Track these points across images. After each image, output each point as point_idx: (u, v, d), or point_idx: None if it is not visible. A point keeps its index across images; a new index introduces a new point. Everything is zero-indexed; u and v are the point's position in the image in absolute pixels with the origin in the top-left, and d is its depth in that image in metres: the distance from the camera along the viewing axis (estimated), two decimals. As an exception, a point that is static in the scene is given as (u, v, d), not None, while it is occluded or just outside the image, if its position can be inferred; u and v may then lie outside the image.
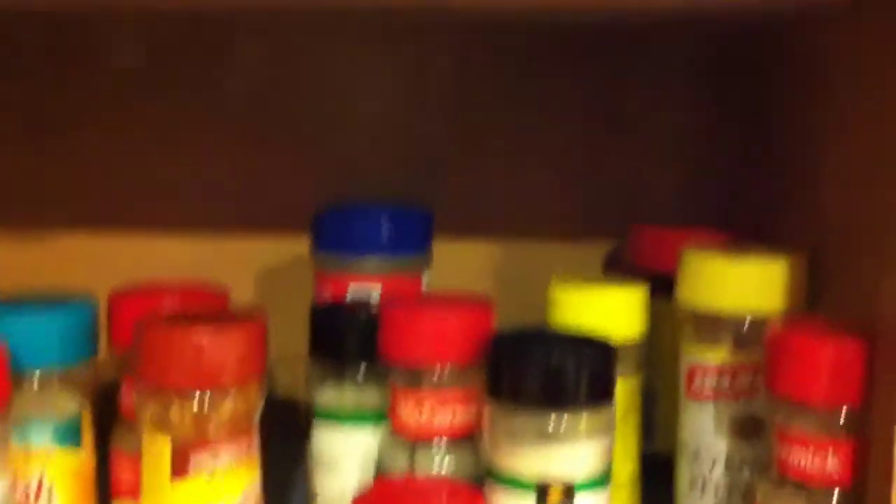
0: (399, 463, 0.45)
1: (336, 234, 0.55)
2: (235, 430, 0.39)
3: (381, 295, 0.53)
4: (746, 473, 0.47)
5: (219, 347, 0.38)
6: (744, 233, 0.56)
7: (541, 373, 0.40)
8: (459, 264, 0.63)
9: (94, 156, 0.64)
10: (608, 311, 0.47)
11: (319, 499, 0.49)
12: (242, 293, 0.64)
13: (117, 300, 0.46)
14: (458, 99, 0.65)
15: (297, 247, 0.58)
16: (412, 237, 0.55)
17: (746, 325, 0.46)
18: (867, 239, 0.43)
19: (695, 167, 0.65)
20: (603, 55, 0.64)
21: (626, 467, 0.49)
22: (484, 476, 0.42)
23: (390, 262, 0.54)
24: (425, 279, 0.56)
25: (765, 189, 0.58)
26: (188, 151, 0.65)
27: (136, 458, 0.39)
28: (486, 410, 0.41)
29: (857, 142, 0.45)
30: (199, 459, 0.38)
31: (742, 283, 0.46)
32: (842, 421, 0.39)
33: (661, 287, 0.50)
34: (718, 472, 0.47)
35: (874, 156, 0.42)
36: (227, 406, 0.38)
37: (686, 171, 0.65)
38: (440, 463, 0.44)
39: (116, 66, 0.63)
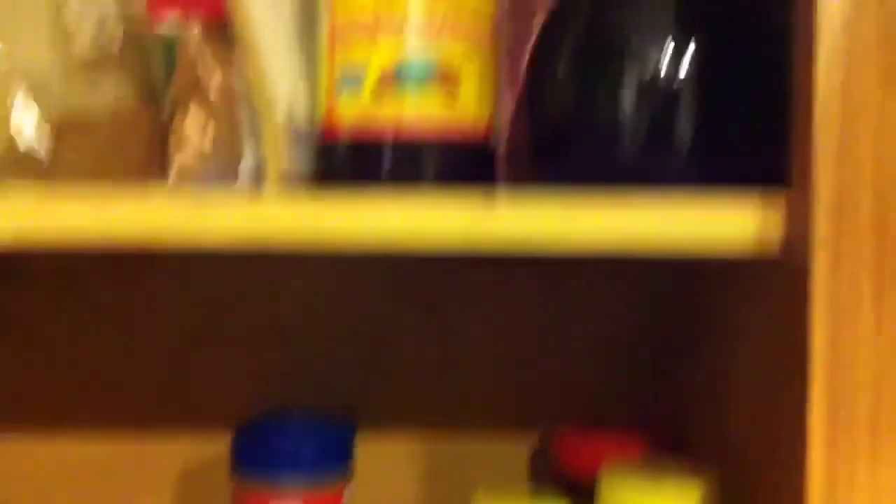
0: None
1: (255, 452, 0.54)
2: None
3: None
4: None
5: None
6: (664, 434, 0.58)
7: None
8: (384, 466, 0.63)
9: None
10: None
11: None
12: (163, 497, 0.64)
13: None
14: (382, 298, 0.66)
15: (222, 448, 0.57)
16: (334, 453, 0.55)
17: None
18: (770, 466, 0.44)
19: (618, 370, 0.66)
20: (530, 268, 0.65)
21: None
22: None
23: (311, 479, 0.54)
24: (348, 492, 0.55)
25: (683, 395, 0.59)
26: (111, 355, 0.65)
27: None
28: None
29: (757, 375, 0.46)
30: None
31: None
32: None
33: (583, 495, 0.50)
34: None
35: (771, 391, 0.44)
36: None
37: (611, 373, 0.66)
38: None
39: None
